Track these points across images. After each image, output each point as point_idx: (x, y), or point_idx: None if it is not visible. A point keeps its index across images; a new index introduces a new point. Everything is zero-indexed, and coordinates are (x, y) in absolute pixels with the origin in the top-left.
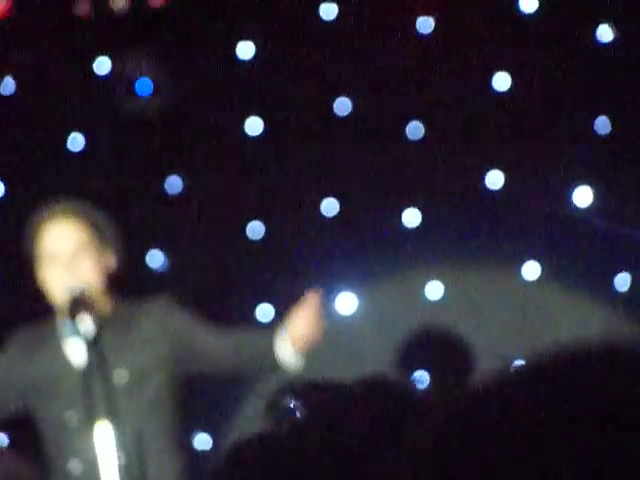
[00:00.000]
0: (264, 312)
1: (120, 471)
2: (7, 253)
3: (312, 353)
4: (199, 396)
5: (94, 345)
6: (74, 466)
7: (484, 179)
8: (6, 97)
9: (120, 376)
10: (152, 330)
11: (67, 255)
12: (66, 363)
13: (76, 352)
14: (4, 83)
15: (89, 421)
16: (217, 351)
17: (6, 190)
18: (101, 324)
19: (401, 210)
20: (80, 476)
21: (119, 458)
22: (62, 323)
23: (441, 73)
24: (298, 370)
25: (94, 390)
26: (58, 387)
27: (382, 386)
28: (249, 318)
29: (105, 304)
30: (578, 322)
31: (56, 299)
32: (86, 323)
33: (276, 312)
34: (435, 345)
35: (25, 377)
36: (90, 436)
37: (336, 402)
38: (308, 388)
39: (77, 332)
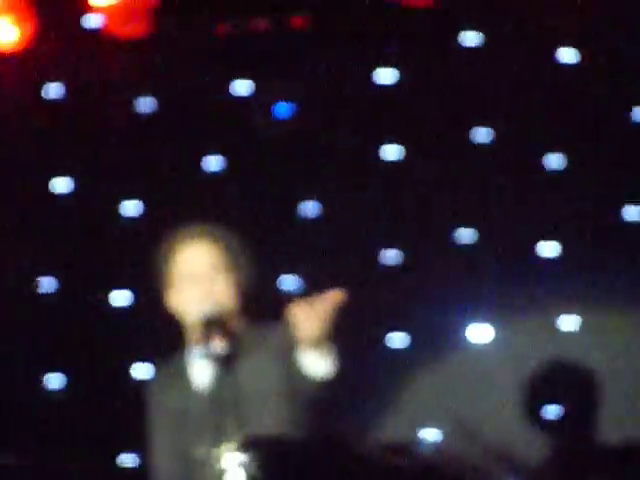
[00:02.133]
0: (398, 339)
1: None
2: (142, 274)
3: (445, 380)
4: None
5: (226, 369)
6: None
7: (623, 212)
8: (146, 116)
9: (249, 400)
10: (275, 352)
11: (203, 276)
12: (199, 389)
13: (208, 376)
14: (144, 102)
15: (219, 447)
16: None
17: (143, 210)
18: (233, 347)
19: (539, 241)
20: None
21: None
22: (195, 347)
23: (583, 103)
24: (328, 374)
25: (225, 415)
26: (191, 415)
27: (337, 444)
28: (380, 344)
29: (237, 326)
30: None
31: (190, 321)
32: (219, 346)
33: (411, 340)
34: (566, 378)
35: (164, 410)
36: (221, 461)
37: (289, 458)
38: (261, 443)
39: (209, 355)
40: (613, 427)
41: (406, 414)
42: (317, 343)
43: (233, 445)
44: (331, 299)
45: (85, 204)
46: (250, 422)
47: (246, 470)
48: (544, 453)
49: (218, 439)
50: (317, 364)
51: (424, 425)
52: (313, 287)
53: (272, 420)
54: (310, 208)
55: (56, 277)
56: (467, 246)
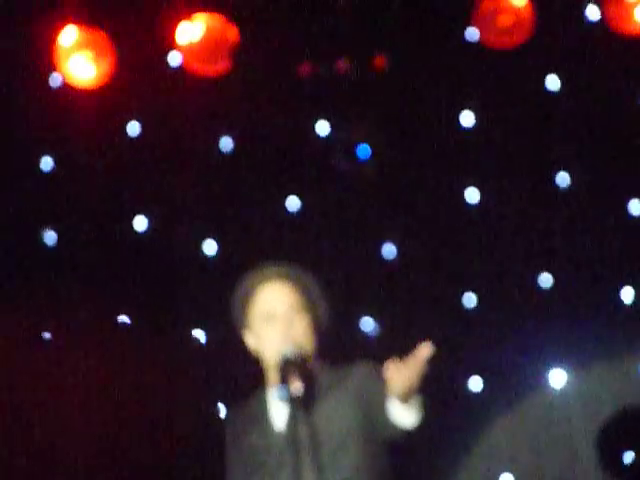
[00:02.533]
0: (475, 383)
1: None
2: (219, 315)
3: (523, 425)
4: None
5: (304, 410)
6: None
7: None
8: (225, 155)
9: (324, 442)
10: (352, 395)
11: (281, 316)
12: (276, 429)
13: (286, 416)
14: (225, 140)
15: None
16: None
17: (222, 249)
18: (310, 388)
19: (618, 287)
20: None
21: None
22: (273, 387)
23: None
24: (414, 425)
25: (302, 457)
26: (269, 455)
27: None
28: (459, 389)
29: (314, 367)
30: None
31: (268, 361)
32: (297, 387)
33: (485, 384)
34: None
35: (243, 450)
36: None
37: None
38: None
39: (287, 396)
40: None
41: (484, 460)
42: (408, 397)
43: None
44: (422, 355)
45: (163, 243)
46: (326, 466)
47: None
48: None
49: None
50: (405, 415)
51: (502, 471)
52: (391, 330)
53: (348, 464)
54: (389, 250)
55: (133, 316)
56: (545, 291)
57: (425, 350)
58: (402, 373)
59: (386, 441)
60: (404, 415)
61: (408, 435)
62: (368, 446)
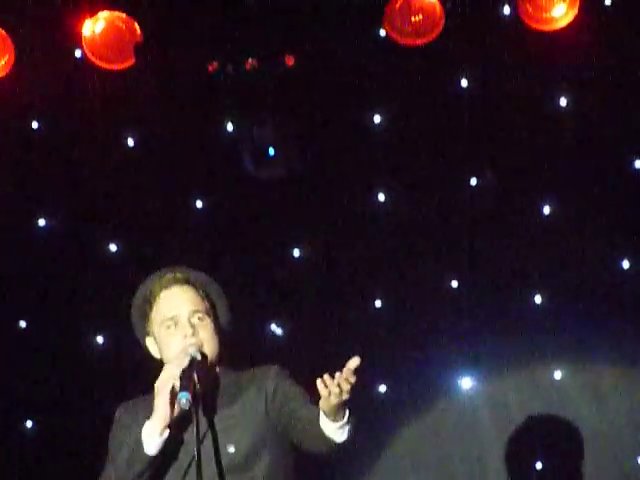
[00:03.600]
0: (383, 388)
1: None
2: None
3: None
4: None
5: (204, 413)
6: None
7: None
8: (129, 152)
9: (230, 451)
10: (258, 399)
11: (185, 321)
12: (175, 436)
13: (186, 423)
14: (128, 139)
15: None
16: (303, 426)
17: (119, 250)
18: (211, 391)
19: (530, 292)
20: None
21: None
22: (162, 399)
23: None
24: (346, 441)
25: (205, 465)
26: (169, 461)
27: None
28: (368, 394)
29: (216, 370)
30: None
31: (168, 365)
32: (199, 392)
33: (392, 389)
34: (552, 433)
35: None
36: None
37: None
38: None
39: (188, 402)
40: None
41: (390, 465)
42: (339, 412)
43: None
44: (352, 369)
45: (66, 243)
46: (233, 472)
47: None
48: None
49: None
50: (337, 431)
51: (409, 477)
52: (297, 334)
53: (257, 468)
54: (295, 252)
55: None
56: (454, 294)
57: (354, 362)
58: (334, 388)
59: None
60: (335, 429)
61: (338, 449)
62: (278, 450)
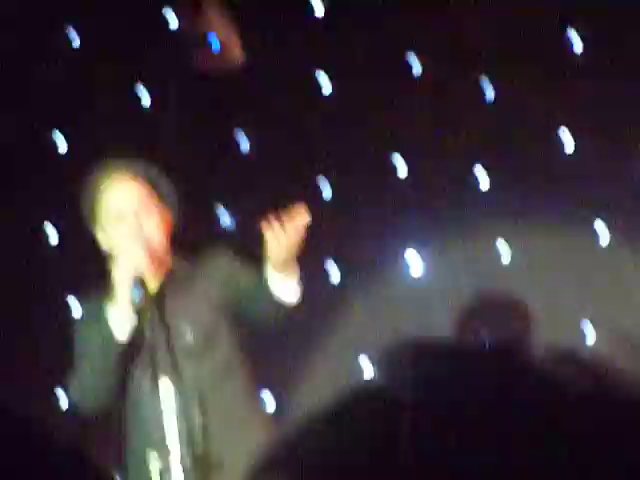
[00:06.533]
0: (334, 273)
1: (183, 434)
2: (65, 212)
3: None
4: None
5: (157, 305)
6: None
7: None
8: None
9: (185, 338)
10: (212, 286)
11: (132, 214)
12: (129, 326)
13: (139, 313)
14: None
15: (154, 384)
16: (253, 294)
17: (67, 147)
18: (164, 283)
19: (471, 169)
20: (148, 435)
21: (183, 420)
22: (122, 287)
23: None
24: (295, 299)
25: (158, 353)
26: (124, 350)
27: None
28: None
29: (167, 262)
30: None
31: (118, 259)
32: (149, 282)
33: (341, 271)
34: (498, 307)
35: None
36: (157, 397)
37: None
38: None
39: (141, 296)
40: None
41: (342, 346)
42: (287, 267)
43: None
44: (299, 220)
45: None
46: (194, 362)
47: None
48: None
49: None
50: (286, 288)
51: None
52: (246, 221)
53: (220, 357)
54: (243, 139)
55: None
56: (402, 179)
57: (303, 217)
58: (282, 238)
59: (262, 326)
60: (285, 287)
61: (288, 313)
62: (234, 338)
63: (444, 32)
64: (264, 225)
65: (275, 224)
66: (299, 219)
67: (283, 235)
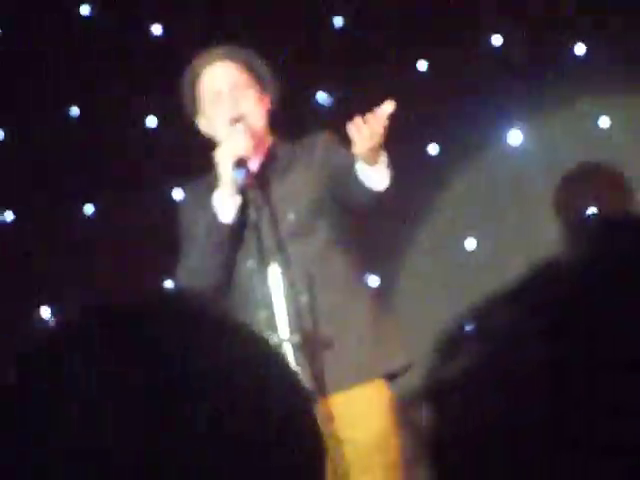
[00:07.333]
0: (433, 148)
1: (295, 314)
2: (164, 101)
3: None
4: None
5: (260, 185)
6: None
7: None
8: None
9: (290, 218)
10: (311, 166)
11: (229, 93)
12: (233, 207)
13: (243, 193)
14: None
15: (262, 266)
16: (347, 180)
17: (164, 32)
18: (265, 163)
19: (570, 43)
20: (263, 320)
21: (290, 300)
22: (225, 168)
23: None
24: (384, 185)
25: (264, 235)
26: (230, 232)
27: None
28: (419, 152)
29: (267, 143)
30: None
31: (220, 141)
32: (250, 163)
33: (441, 147)
34: (600, 179)
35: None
36: (264, 277)
37: None
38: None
39: (242, 172)
40: None
41: (447, 224)
42: (374, 156)
43: (274, 263)
44: (384, 112)
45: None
46: (296, 242)
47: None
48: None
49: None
50: (374, 176)
51: (466, 236)
52: (346, 101)
53: (321, 236)
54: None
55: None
56: (495, 50)
57: (388, 107)
58: (365, 130)
59: (358, 209)
60: (373, 175)
61: (379, 198)
62: (335, 219)
63: None
64: (349, 124)
65: (357, 118)
66: (383, 108)
67: (365, 126)
